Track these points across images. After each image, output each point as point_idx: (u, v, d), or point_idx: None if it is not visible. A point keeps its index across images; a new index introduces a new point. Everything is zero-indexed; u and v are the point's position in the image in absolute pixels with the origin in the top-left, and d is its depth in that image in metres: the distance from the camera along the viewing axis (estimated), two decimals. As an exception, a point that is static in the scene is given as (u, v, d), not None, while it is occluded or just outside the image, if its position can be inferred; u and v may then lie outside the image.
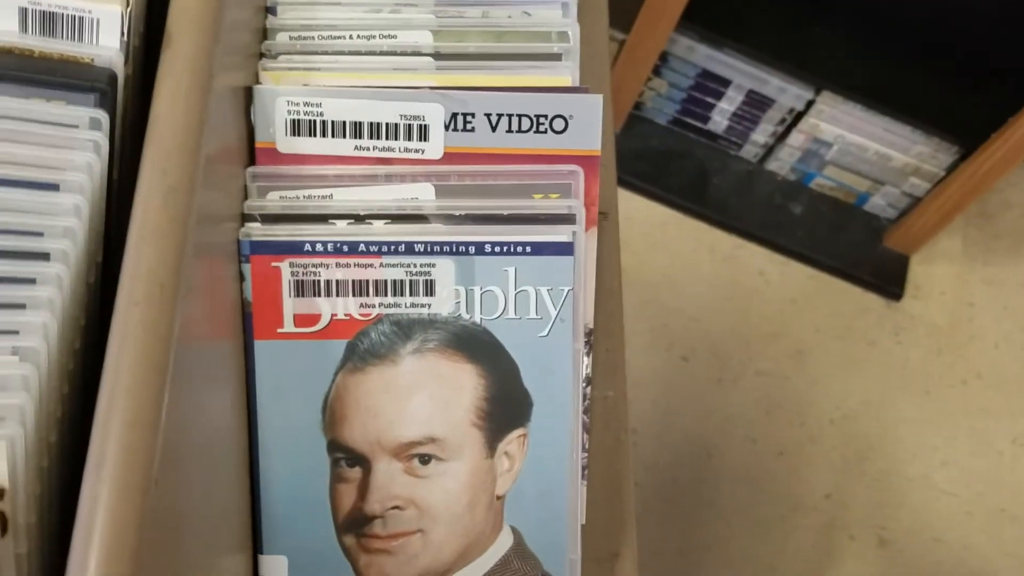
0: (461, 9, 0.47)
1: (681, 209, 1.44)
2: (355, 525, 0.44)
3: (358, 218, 0.43)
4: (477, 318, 0.44)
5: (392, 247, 0.42)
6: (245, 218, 0.42)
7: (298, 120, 0.43)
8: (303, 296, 0.43)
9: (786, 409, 1.35)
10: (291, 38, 0.45)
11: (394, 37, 0.45)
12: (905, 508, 1.33)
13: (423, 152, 0.44)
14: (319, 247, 0.42)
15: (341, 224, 0.42)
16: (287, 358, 0.43)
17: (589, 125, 0.45)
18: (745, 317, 1.40)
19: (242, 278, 0.42)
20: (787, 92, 1.35)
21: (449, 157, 0.44)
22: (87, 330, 0.35)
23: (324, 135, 0.43)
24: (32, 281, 0.31)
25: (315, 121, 0.43)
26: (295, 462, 0.44)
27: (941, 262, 1.50)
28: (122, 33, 0.36)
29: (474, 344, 0.44)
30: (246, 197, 0.43)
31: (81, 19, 0.36)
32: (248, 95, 0.43)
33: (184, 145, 0.33)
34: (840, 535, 1.30)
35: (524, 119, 0.44)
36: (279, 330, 0.43)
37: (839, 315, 1.43)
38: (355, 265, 0.42)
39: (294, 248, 0.42)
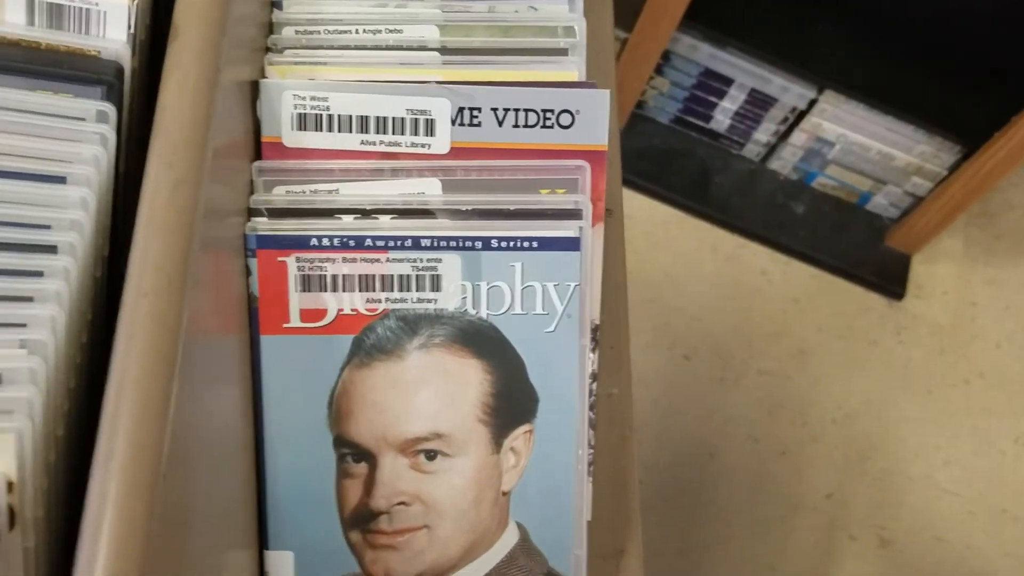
0: (467, 4, 0.47)
1: (683, 208, 1.43)
2: (361, 521, 0.44)
3: (364, 213, 0.42)
4: (483, 313, 0.44)
5: (398, 242, 0.42)
6: (251, 212, 0.42)
7: (304, 114, 0.43)
8: (309, 291, 0.42)
9: (788, 408, 1.35)
10: (297, 32, 0.45)
11: (400, 32, 0.45)
12: (906, 508, 1.33)
13: (429, 147, 0.44)
14: (325, 242, 0.42)
15: (347, 219, 0.42)
16: (293, 353, 0.43)
17: (596, 120, 0.45)
18: (747, 316, 1.40)
19: (248, 272, 0.42)
20: (790, 91, 1.34)
21: (455, 152, 0.44)
22: (93, 325, 0.35)
23: (330, 129, 0.43)
24: (40, 274, 0.31)
25: (321, 115, 0.43)
26: (301, 457, 0.44)
27: (943, 262, 1.50)
28: (129, 26, 0.36)
29: (480, 339, 0.44)
30: (252, 192, 0.43)
31: (88, 11, 0.36)
32: (254, 89, 0.42)
33: (191, 138, 0.33)
34: (841, 535, 1.30)
35: (531, 114, 0.44)
36: (285, 325, 0.43)
37: (841, 314, 1.43)
38: (361, 260, 0.42)
39: (300, 243, 0.42)
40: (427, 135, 0.44)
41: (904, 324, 1.44)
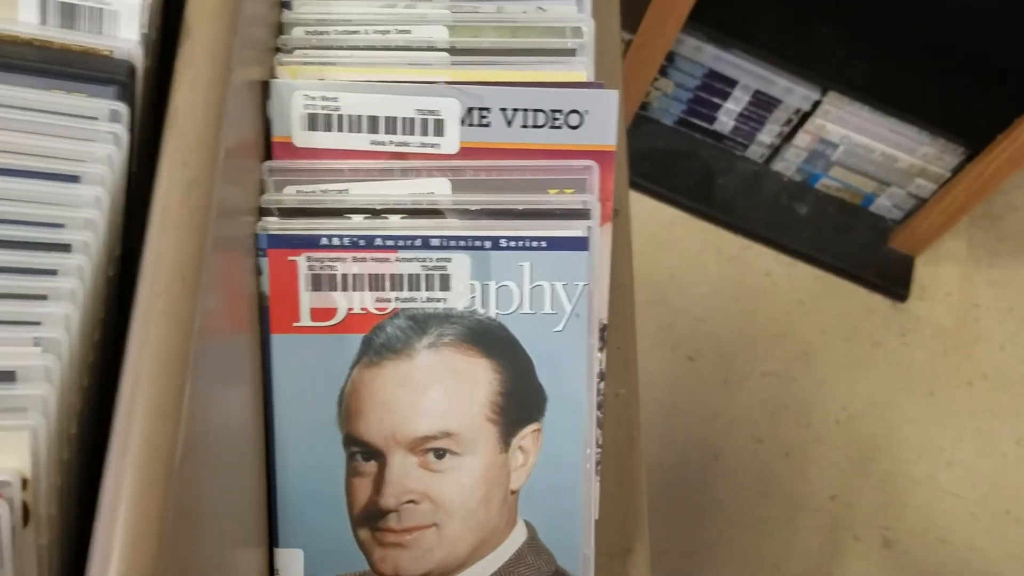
0: (476, 4, 0.47)
1: (687, 209, 1.44)
2: (370, 519, 0.45)
3: (374, 212, 0.43)
4: (492, 313, 0.44)
5: (408, 241, 0.42)
6: (262, 212, 0.42)
7: (315, 114, 0.43)
8: (319, 290, 0.43)
9: (792, 410, 1.35)
10: (306, 33, 0.45)
11: (409, 32, 0.45)
12: (910, 509, 1.33)
13: (439, 147, 0.44)
14: (336, 241, 0.42)
15: (357, 218, 0.43)
16: (303, 352, 0.43)
17: (604, 120, 0.45)
18: (751, 318, 1.40)
19: (259, 272, 0.42)
20: (793, 93, 1.35)
21: (465, 152, 0.44)
22: (105, 324, 0.35)
23: (340, 129, 0.43)
24: (53, 272, 0.31)
25: (331, 115, 0.43)
26: (311, 456, 0.44)
27: (947, 263, 1.50)
28: (141, 25, 0.36)
29: (489, 339, 0.44)
30: (263, 191, 0.43)
31: (100, 11, 0.36)
32: (264, 89, 0.43)
33: (204, 138, 0.33)
34: (845, 536, 1.30)
35: (539, 114, 0.44)
36: (295, 324, 0.43)
37: (845, 316, 1.43)
38: (371, 259, 0.42)
39: (311, 242, 0.42)
40: (436, 135, 0.44)
41: (908, 326, 1.44)
